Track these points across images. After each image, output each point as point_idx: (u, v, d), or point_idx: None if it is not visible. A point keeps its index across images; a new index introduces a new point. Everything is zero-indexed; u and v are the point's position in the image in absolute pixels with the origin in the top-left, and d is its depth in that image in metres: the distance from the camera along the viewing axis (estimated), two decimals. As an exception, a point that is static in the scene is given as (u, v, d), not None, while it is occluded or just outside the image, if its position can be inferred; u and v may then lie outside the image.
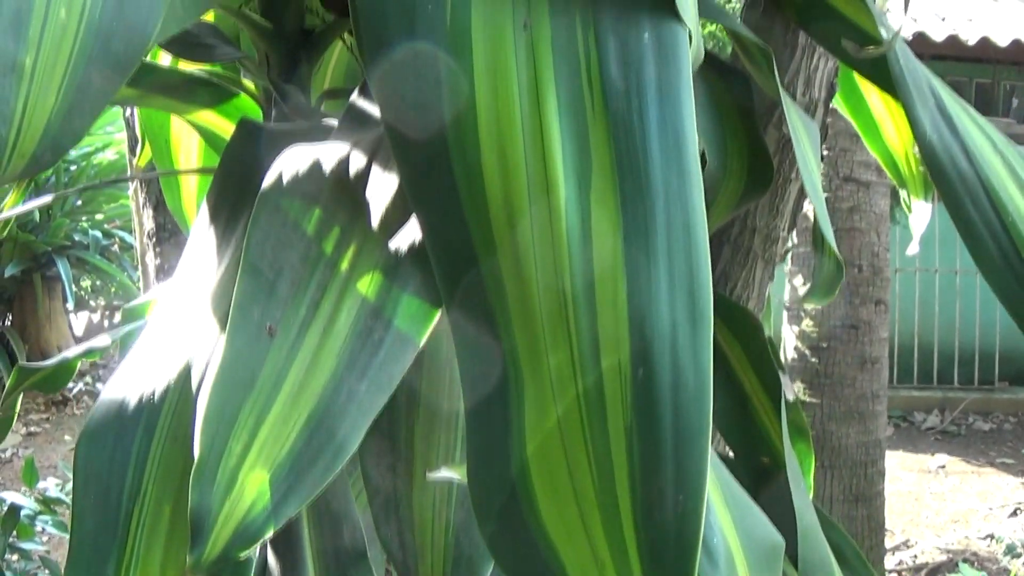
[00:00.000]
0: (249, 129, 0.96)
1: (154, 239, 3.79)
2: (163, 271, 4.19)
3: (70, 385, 7.54)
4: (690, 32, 0.58)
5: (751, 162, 0.98)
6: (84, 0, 0.65)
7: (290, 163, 0.81)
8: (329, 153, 0.82)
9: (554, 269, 0.55)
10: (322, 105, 1.33)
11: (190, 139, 1.60)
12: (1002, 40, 8.11)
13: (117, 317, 10.00)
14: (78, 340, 9.06)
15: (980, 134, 1.17)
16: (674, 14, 0.58)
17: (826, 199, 4.36)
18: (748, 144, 0.99)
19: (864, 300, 4.54)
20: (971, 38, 8.16)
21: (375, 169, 0.79)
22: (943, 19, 8.38)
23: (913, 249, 1.77)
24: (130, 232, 8.14)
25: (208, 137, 1.45)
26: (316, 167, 0.81)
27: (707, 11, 0.97)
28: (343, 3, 0.67)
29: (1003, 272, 1.05)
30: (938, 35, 8.08)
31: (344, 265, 0.76)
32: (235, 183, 0.91)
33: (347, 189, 0.79)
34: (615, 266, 0.54)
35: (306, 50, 1.27)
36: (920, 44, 7.94)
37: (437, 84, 0.57)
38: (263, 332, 0.72)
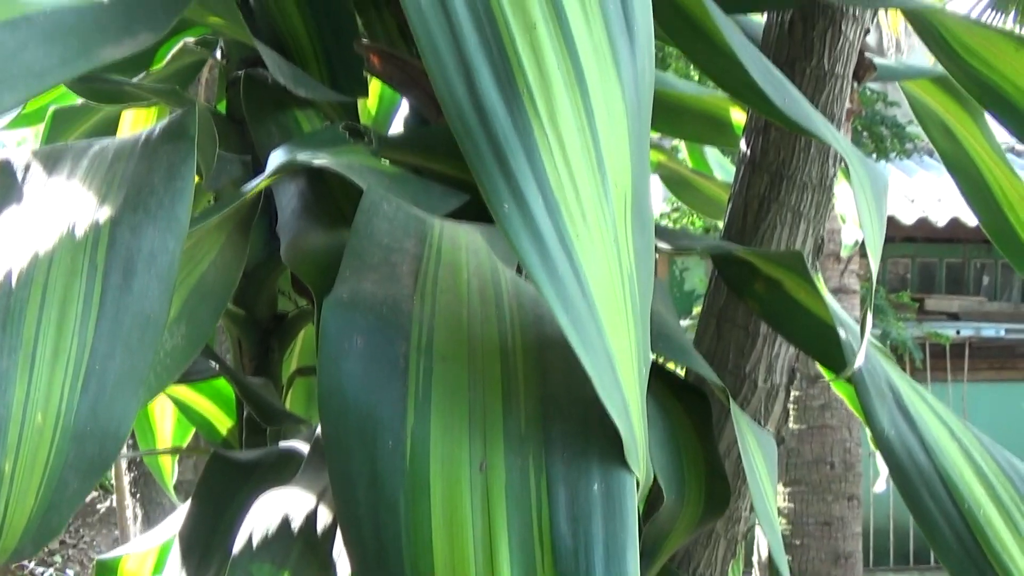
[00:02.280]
0: (221, 462, 0.98)
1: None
2: (135, 462, 4.17)
3: (39, 570, 7.48)
4: (639, 480, 0.61)
5: (708, 487, 1.00)
6: (59, 405, 0.68)
7: (260, 521, 0.83)
8: (297, 507, 0.85)
9: None
10: (292, 385, 1.36)
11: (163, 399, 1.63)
12: (972, 220, 8.16)
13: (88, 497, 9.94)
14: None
15: (937, 422, 1.20)
16: (622, 463, 0.61)
17: (797, 397, 4.39)
18: (706, 469, 1.00)
19: (837, 496, 4.54)
20: (941, 219, 8.26)
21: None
22: (912, 201, 8.50)
23: (880, 487, 1.80)
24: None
25: (182, 408, 1.47)
26: (285, 525, 0.83)
27: (669, 350, 1.00)
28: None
29: (961, 559, 1.08)
30: (908, 218, 8.18)
31: (311, 638, 0.78)
32: (207, 520, 0.94)
33: (314, 548, 0.82)
34: None
35: (278, 335, 1.30)
36: (890, 227, 7.98)
37: (397, 535, 0.60)
38: None
